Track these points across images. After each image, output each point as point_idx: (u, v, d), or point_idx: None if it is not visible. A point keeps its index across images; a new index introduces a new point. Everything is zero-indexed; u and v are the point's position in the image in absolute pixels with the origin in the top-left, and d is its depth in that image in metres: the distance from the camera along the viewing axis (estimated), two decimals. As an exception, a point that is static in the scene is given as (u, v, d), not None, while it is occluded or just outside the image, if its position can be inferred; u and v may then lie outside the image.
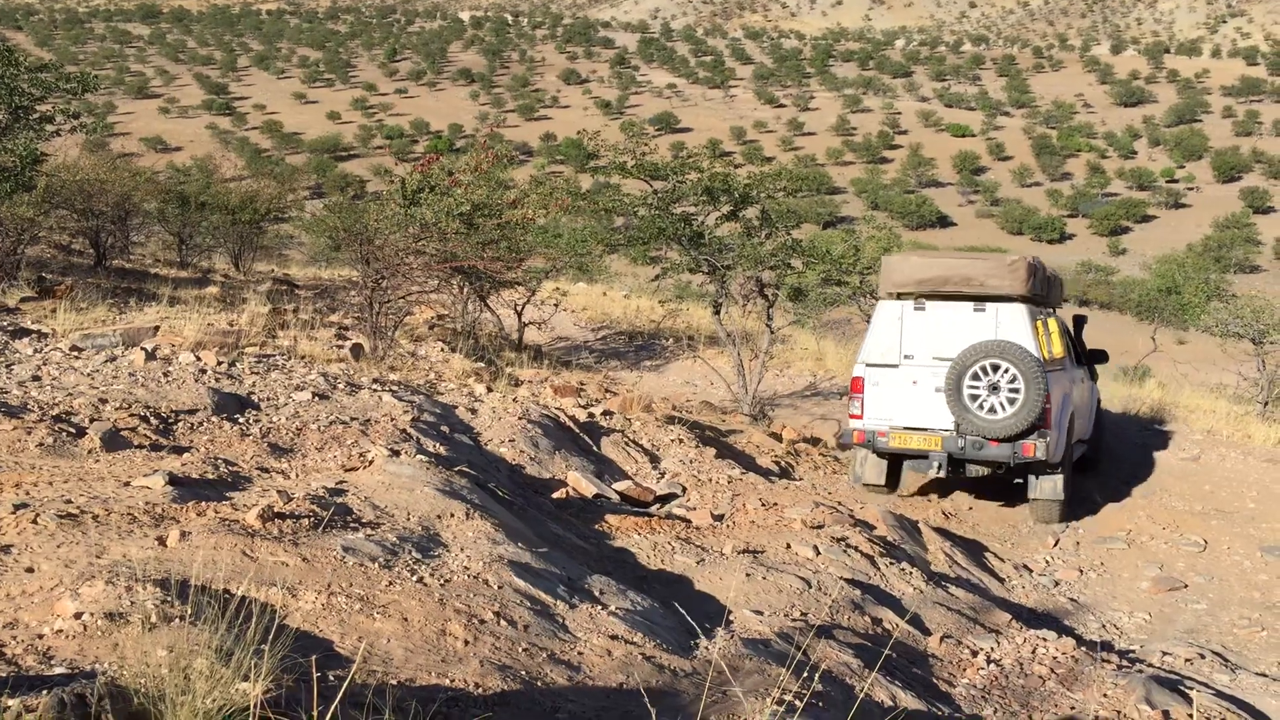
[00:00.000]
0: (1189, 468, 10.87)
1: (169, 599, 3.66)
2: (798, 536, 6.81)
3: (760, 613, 5.34)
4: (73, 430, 6.16)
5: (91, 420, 6.45)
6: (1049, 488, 9.06)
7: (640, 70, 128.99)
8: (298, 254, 29.14)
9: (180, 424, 6.80)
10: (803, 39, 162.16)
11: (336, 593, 4.06)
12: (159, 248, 22.52)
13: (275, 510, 4.82)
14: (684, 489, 8.31)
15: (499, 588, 4.49)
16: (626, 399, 10.70)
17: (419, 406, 8.27)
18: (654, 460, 9.10)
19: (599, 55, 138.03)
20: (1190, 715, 4.96)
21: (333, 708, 2.73)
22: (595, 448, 8.99)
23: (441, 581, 4.41)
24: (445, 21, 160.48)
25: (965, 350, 8.74)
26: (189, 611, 3.47)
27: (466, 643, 3.90)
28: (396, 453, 6.49)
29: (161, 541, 4.32)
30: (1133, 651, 6.51)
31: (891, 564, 6.75)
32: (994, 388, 8.67)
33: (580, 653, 4.13)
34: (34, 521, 4.39)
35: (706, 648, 4.55)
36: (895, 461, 9.57)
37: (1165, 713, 4.93)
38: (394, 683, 3.46)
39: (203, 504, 4.96)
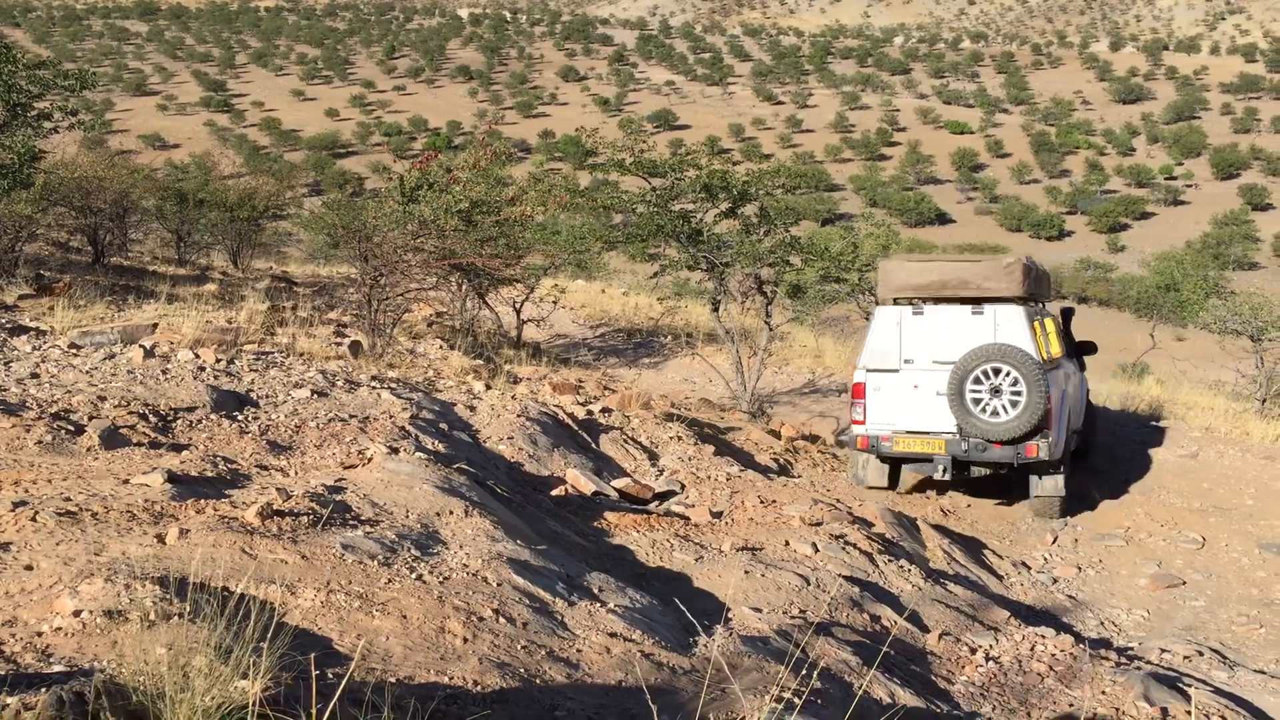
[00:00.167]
0: (1187, 465, 10.88)
1: (168, 597, 3.65)
2: (796, 534, 6.80)
3: (759, 610, 5.34)
4: (71, 428, 6.15)
5: (90, 418, 6.45)
6: (1051, 485, 9.17)
7: (639, 67, 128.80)
8: (296, 251, 29.14)
9: (179, 421, 6.80)
10: (801, 36, 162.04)
11: (335, 590, 4.06)
12: (157, 245, 22.51)
13: (274, 508, 4.82)
14: (683, 486, 8.32)
15: (498, 585, 4.49)
16: (625, 396, 10.70)
17: (418, 404, 8.27)
18: (653, 457, 9.10)
19: (597, 52, 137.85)
20: (1189, 712, 4.96)
21: (332, 705, 2.73)
22: (594, 445, 8.99)
23: (440, 579, 4.40)
24: (444, 18, 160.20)
25: (966, 354, 8.76)
26: (188, 609, 3.47)
27: (465, 640, 3.89)
28: (395, 450, 6.49)
29: (160, 539, 4.32)
30: (1131, 648, 6.52)
31: (890, 561, 6.75)
32: (996, 391, 8.69)
33: (579, 650, 4.13)
34: (33, 519, 4.39)
35: (705, 645, 4.55)
36: (896, 463, 9.60)
37: (1164, 710, 4.93)
38: (393, 680, 3.46)
39: (201, 501, 4.96)
